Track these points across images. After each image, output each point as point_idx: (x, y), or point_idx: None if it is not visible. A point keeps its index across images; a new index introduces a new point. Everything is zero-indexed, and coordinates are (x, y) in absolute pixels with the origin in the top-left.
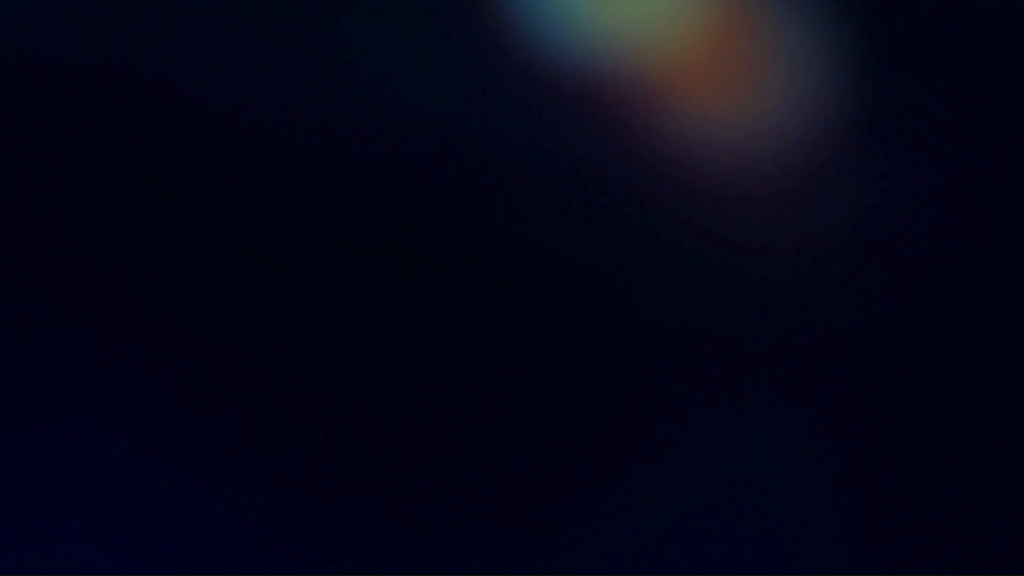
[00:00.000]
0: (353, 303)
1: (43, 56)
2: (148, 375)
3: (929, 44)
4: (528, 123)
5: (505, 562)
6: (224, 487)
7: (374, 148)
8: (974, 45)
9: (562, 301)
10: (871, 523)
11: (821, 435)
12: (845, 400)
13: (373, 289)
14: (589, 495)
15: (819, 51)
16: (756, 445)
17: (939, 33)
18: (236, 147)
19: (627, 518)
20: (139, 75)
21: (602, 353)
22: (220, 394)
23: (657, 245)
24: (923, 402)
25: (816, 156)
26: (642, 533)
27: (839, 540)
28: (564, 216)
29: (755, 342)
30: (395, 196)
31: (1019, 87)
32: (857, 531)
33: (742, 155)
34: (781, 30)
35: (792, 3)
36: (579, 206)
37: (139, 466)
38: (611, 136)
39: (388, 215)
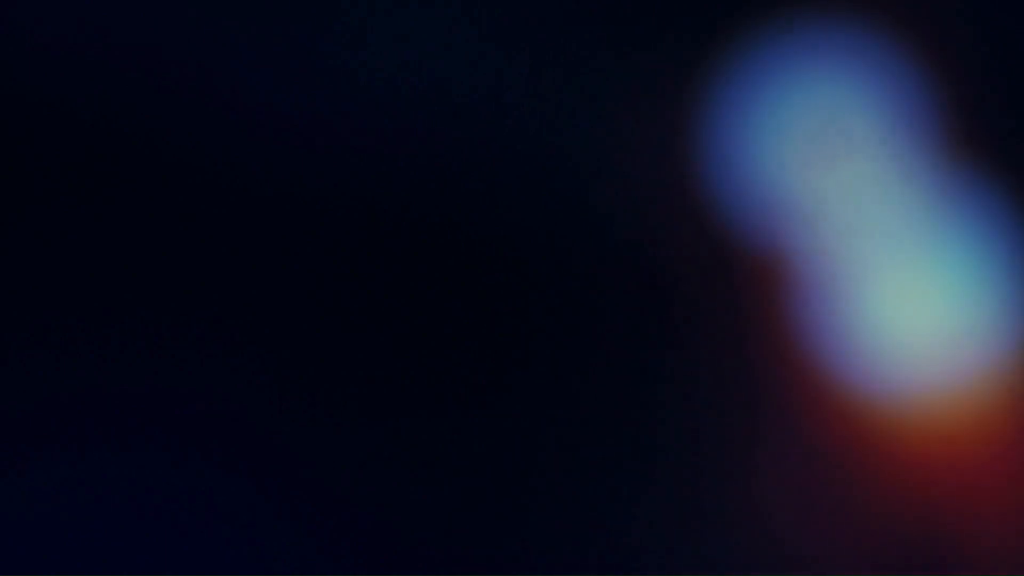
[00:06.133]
0: (379, 302)
1: (44, 54)
2: (148, 373)
3: None
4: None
5: (506, 561)
6: (225, 484)
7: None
8: None
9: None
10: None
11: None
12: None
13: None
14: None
15: None
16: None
17: None
18: (242, 144)
19: (625, 518)
20: (144, 74)
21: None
22: (220, 393)
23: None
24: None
25: None
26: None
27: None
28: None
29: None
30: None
31: None
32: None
33: None
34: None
35: None
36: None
37: (142, 464)
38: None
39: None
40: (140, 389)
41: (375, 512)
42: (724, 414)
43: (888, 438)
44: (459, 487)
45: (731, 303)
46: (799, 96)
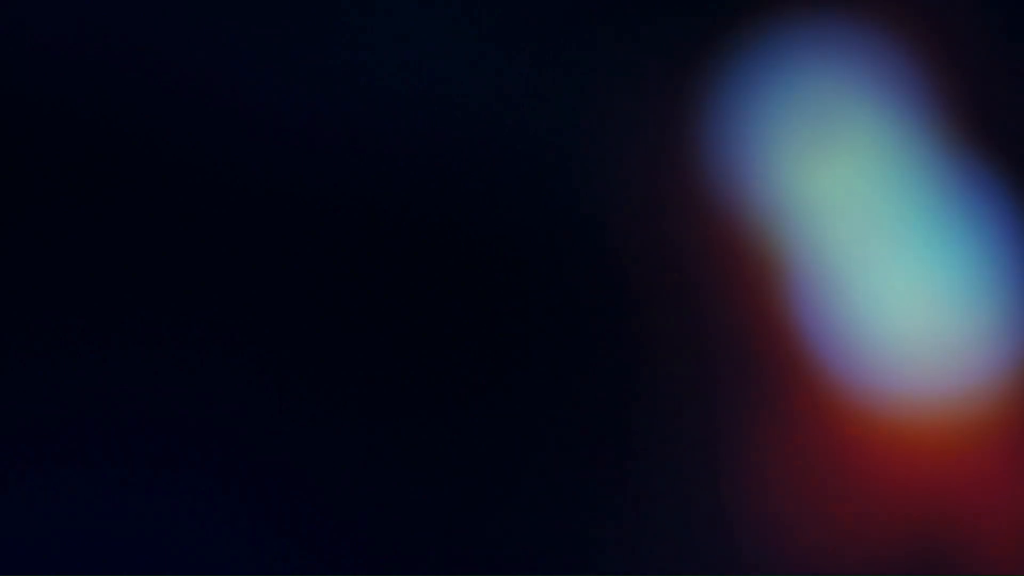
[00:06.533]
0: (382, 302)
1: (44, 54)
2: (147, 373)
3: None
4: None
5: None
6: (226, 485)
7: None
8: None
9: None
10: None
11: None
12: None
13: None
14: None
15: None
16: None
17: None
18: (242, 144)
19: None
20: (144, 74)
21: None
22: (220, 393)
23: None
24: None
25: None
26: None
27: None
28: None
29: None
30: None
31: None
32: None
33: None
34: None
35: None
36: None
37: (141, 464)
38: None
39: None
40: (139, 389)
41: (374, 512)
42: (725, 413)
43: (888, 437)
44: (458, 487)
45: (731, 301)
46: (800, 94)
